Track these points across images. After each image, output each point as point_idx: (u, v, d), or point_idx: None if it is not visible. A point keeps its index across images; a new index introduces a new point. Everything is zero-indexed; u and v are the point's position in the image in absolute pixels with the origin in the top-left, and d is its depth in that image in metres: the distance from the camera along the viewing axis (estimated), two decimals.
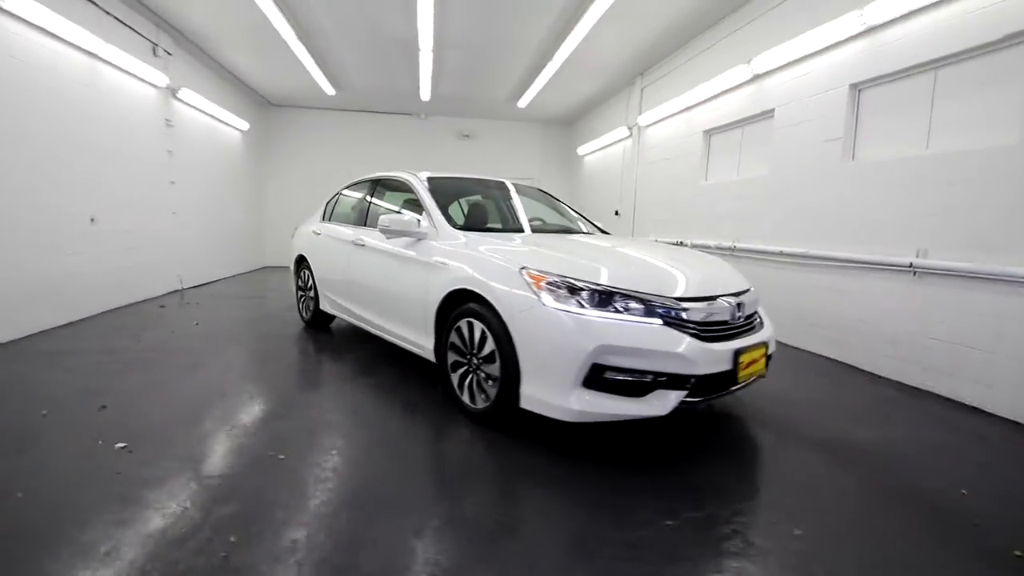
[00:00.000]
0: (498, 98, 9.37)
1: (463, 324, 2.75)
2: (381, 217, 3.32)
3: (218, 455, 2.29)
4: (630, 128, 8.16)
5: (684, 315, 2.35)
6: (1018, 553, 1.78)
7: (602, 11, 5.41)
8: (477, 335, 2.65)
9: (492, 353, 2.55)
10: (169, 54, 6.37)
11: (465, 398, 2.80)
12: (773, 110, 5.01)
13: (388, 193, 4.18)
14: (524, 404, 2.42)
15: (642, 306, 2.31)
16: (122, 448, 2.30)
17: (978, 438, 2.80)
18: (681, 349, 2.24)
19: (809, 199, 4.55)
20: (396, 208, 3.97)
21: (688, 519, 1.91)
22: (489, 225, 3.59)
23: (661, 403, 2.27)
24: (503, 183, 4.17)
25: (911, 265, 3.56)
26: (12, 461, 2.17)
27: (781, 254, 4.80)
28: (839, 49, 4.21)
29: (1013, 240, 3.03)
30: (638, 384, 2.26)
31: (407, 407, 2.97)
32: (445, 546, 1.70)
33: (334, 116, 10.55)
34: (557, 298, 2.33)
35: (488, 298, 2.55)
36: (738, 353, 2.39)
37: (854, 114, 4.18)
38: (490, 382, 2.61)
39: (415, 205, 3.96)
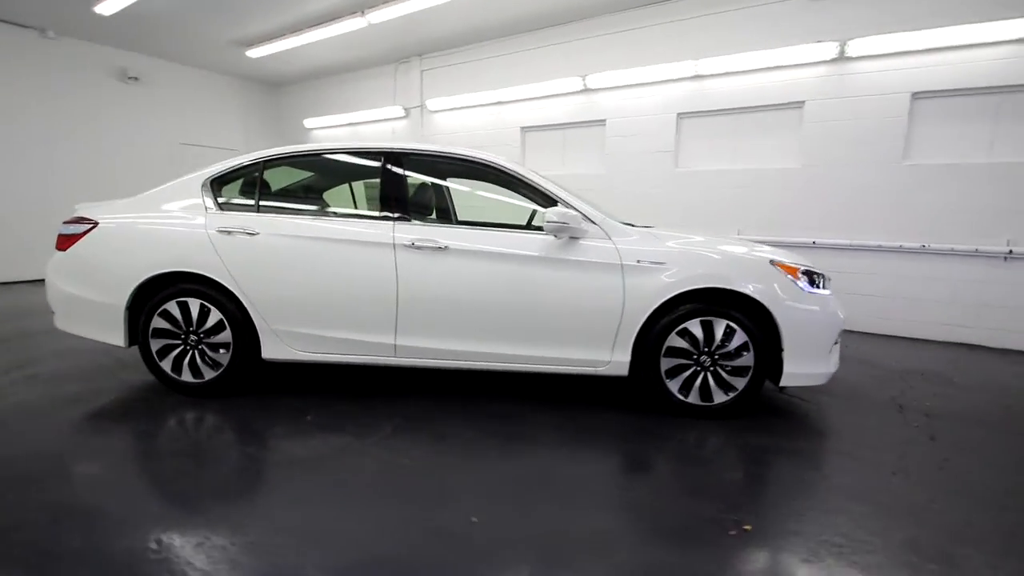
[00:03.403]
0: (221, 39, 6.90)
1: (691, 324, 2.67)
2: (551, 211, 2.60)
3: None
4: (407, 109, 7.78)
5: None
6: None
7: None
8: (719, 332, 2.66)
9: (743, 345, 2.66)
10: None
11: (693, 399, 2.74)
12: (605, 120, 6.20)
13: (429, 178, 2.99)
14: (785, 382, 2.70)
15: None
16: None
17: None
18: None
19: (647, 194, 6.01)
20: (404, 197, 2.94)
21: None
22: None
23: (837, 356, 3.05)
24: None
25: None
26: None
27: None
28: (671, 84, 5.73)
29: (795, 222, 5.26)
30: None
31: (631, 453, 2.60)
32: None
33: None
34: (809, 284, 2.72)
35: (747, 292, 2.62)
36: None
37: (678, 135, 5.83)
38: (725, 373, 2.70)
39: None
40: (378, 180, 3.01)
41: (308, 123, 8.97)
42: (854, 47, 4.72)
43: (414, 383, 3.19)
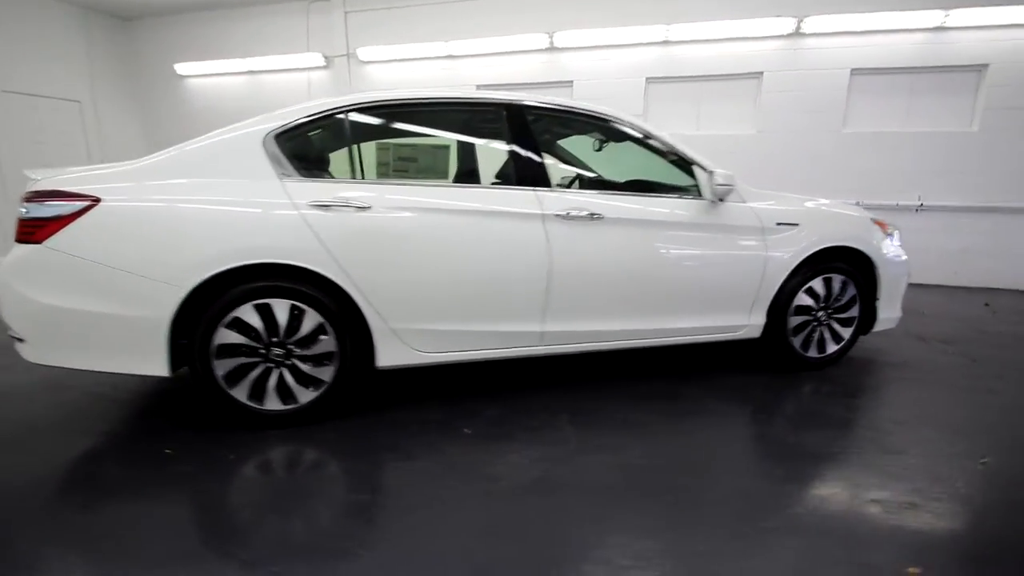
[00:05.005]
0: None
1: (816, 283, 2.80)
2: (719, 173, 2.47)
3: None
4: (328, 58, 6.65)
5: None
6: None
7: None
8: (837, 287, 2.84)
9: (853, 298, 2.88)
10: None
11: (812, 353, 2.91)
12: (572, 82, 6.04)
13: (544, 134, 2.56)
14: (878, 327, 3.00)
15: None
16: None
17: None
18: None
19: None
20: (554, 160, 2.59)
21: None
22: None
23: None
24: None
25: None
26: None
27: None
28: (641, 48, 5.77)
29: (754, 183, 5.78)
30: None
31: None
32: None
33: None
34: (893, 238, 3.02)
35: (862, 248, 2.82)
36: None
37: (646, 99, 5.95)
38: (837, 325, 2.92)
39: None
40: (477, 140, 2.57)
41: (181, 68, 7.14)
42: (809, 24, 5.25)
43: (532, 373, 2.84)
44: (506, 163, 2.49)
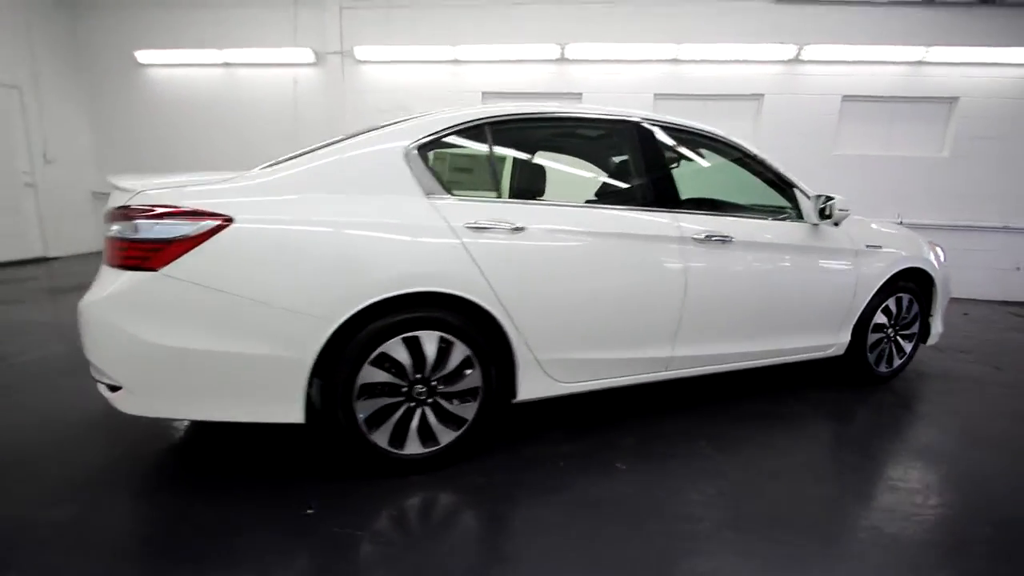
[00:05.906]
0: None
1: (891, 301, 2.97)
2: (839, 200, 2.52)
3: None
4: (320, 54, 6.21)
5: None
6: None
7: None
8: (906, 304, 3.02)
9: (916, 314, 3.08)
10: None
11: (882, 368, 3.07)
12: (581, 94, 6.05)
13: (652, 153, 2.45)
14: (930, 341, 3.22)
15: None
16: None
17: None
18: None
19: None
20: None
21: None
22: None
23: None
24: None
25: None
26: None
27: None
28: (649, 65, 5.88)
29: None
30: None
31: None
32: None
33: None
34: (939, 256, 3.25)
35: (927, 268, 3.02)
36: None
37: None
38: (903, 340, 3.10)
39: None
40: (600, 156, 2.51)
41: (143, 56, 6.39)
42: (808, 51, 5.61)
43: (635, 398, 2.77)
44: (633, 183, 2.42)
